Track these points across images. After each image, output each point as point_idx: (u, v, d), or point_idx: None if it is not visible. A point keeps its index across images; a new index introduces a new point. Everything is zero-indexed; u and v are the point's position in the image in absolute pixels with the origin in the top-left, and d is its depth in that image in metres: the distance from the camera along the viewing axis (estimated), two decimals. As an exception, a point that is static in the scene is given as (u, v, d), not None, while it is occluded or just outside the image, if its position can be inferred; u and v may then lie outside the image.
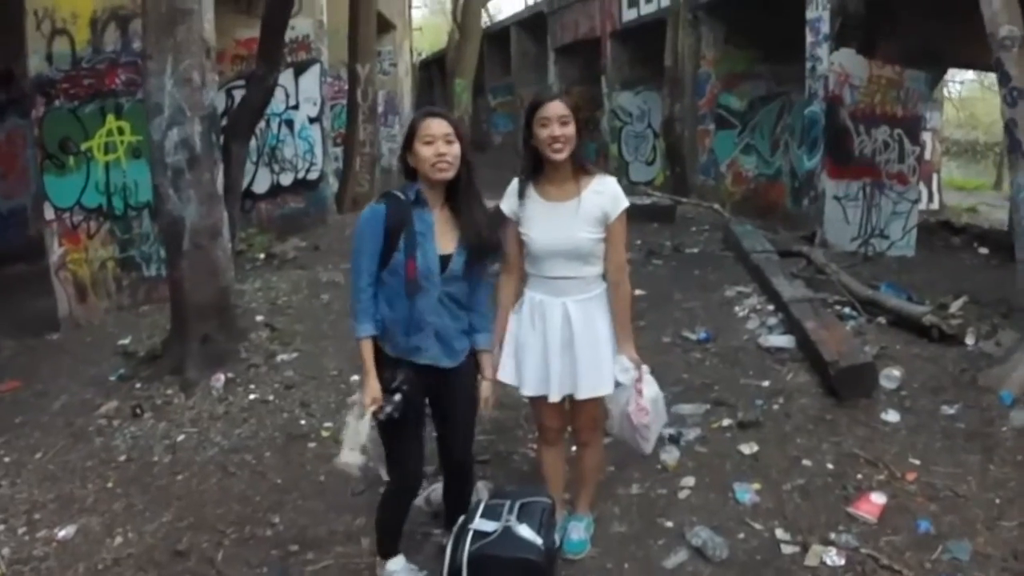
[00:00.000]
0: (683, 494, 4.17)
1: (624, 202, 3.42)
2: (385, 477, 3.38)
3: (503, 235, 3.46)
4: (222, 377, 5.79)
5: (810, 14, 10.13)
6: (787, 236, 9.87)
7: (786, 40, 11.61)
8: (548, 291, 3.46)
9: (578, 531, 3.75)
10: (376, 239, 3.19)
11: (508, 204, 3.49)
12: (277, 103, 10.38)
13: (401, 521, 3.49)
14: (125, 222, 7.97)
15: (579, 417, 3.64)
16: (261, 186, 10.94)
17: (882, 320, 6.24)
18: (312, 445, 4.97)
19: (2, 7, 8.09)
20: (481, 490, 3.96)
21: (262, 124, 10.01)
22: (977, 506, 3.96)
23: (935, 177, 18.62)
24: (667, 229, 10.60)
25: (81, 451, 5.17)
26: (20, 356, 7.11)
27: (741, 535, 3.82)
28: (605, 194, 3.39)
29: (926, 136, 14.32)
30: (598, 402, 3.55)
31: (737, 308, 6.79)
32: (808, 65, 10.27)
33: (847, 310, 6.42)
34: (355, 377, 5.60)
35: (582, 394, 3.45)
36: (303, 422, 5.28)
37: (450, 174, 3.18)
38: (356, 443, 3.23)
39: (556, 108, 3.31)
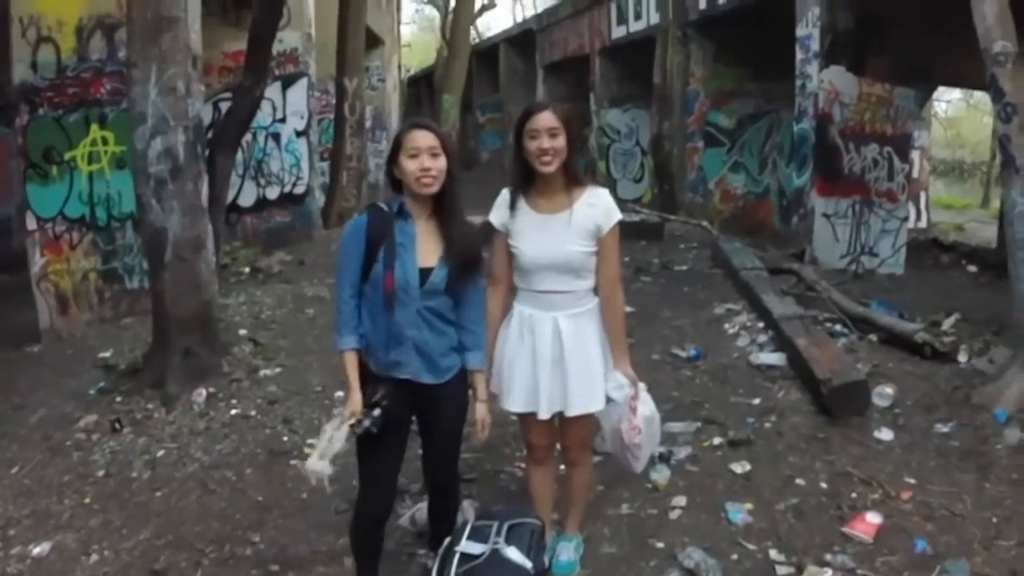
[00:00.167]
0: (674, 514, 4.09)
1: (617, 215, 3.34)
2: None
3: (490, 249, 3.38)
4: (204, 392, 5.68)
5: (800, 31, 10.15)
6: (776, 254, 9.84)
7: (775, 58, 11.63)
8: (538, 305, 3.37)
9: (567, 552, 3.66)
10: (358, 250, 3.12)
11: (498, 216, 3.40)
12: (264, 116, 10.33)
13: (375, 543, 3.36)
14: (108, 233, 7.88)
15: (569, 435, 3.55)
16: (247, 199, 10.86)
17: (873, 338, 6.21)
18: (294, 462, 4.85)
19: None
20: (467, 509, 3.87)
21: (249, 137, 9.96)
22: (974, 525, 3.90)
23: (923, 195, 18.67)
24: (655, 246, 10.57)
25: (58, 466, 5.06)
26: (-1, 368, 6.98)
27: (734, 556, 3.74)
28: (598, 207, 3.31)
29: (914, 154, 14.34)
30: (589, 419, 3.46)
31: (727, 325, 6.74)
32: (798, 83, 10.27)
33: (838, 327, 6.39)
34: (339, 393, 5.54)
35: (573, 411, 3.36)
36: (285, 438, 5.17)
37: (434, 189, 3.10)
38: (328, 452, 3.12)
39: (545, 120, 3.22)
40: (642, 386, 3.44)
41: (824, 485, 4.26)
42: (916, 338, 5.86)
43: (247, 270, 9.30)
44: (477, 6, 27.22)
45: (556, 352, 3.32)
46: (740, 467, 4.46)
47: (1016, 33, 5.12)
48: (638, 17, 15.76)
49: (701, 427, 4.97)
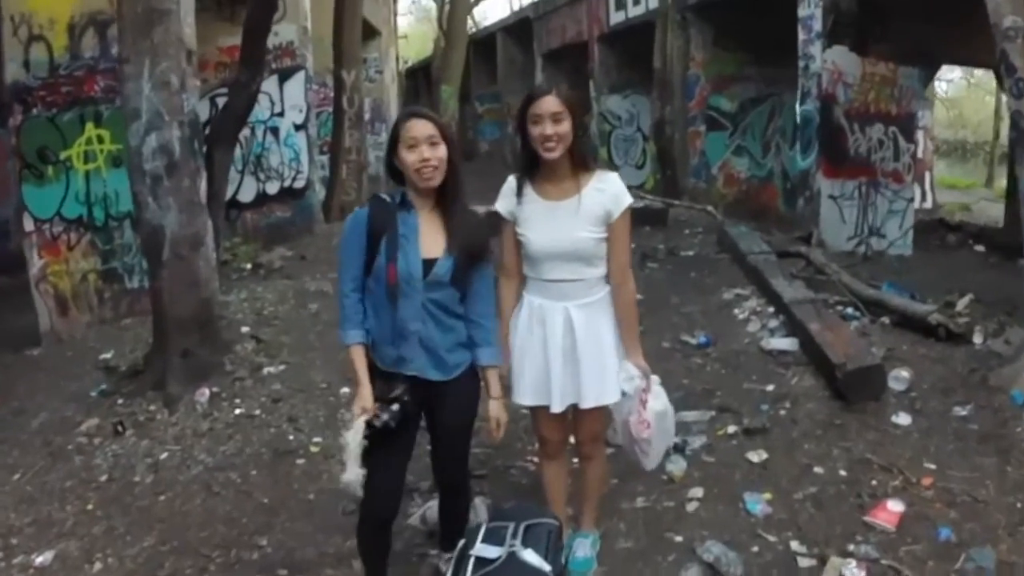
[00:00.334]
0: (691, 506, 4.00)
1: (627, 199, 3.22)
2: (359, 493, 3.11)
3: (497, 238, 3.27)
4: (206, 392, 5.58)
5: (802, 12, 10.02)
6: (782, 237, 9.73)
7: (776, 41, 11.55)
8: (548, 295, 3.25)
9: (584, 548, 3.56)
10: (359, 243, 3.03)
11: (504, 204, 3.29)
12: (262, 110, 10.23)
13: (382, 544, 3.25)
14: (106, 233, 7.78)
15: (582, 428, 3.44)
16: (247, 195, 10.75)
17: (886, 320, 6.10)
18: (300, 462, 4.77)
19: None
20: (479, 507, 3.78)
21: (247, 132, 9.86)
22: (998, 511, 3.81)
23: (927, 176, 18.57)
24: (660, 232, 10.48)
25: (60, 471, 4.97)
26: (-1, 372, 6.89)
27: (755, 548, 3.64)
28: (607, 191, 3.19)
29: (919, 134, 14.23)
30: (602, 412, 3.36)
31: (736, 311, 6.65)
32: (801, 64, 10.15)
33: (849, 310, 6.29)
34: (345, 389, 5.45)
35: (586, 403, 3.25)
36: (291, 437, 5.08)
37: (436, 181, 2.99)
38: (353, 457, 3.00)
39: (549, 104, 3.09)
40: (655, 379, 3.33)
41: (843, 473, 4.17)
42: (930, 319, 5.74)
43: (248, 266, 9.20)
44: (473, -5, 27.08)
45: (568, 343, 3.22)
46: (756, 456, 4.37)
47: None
48: (636, 2, 15.63)
49: (715, 416, 4.88)
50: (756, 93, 13.99)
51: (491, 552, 2.86)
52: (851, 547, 3.57)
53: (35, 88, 7.38)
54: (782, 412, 4.84)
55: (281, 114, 10.85)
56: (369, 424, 2.96)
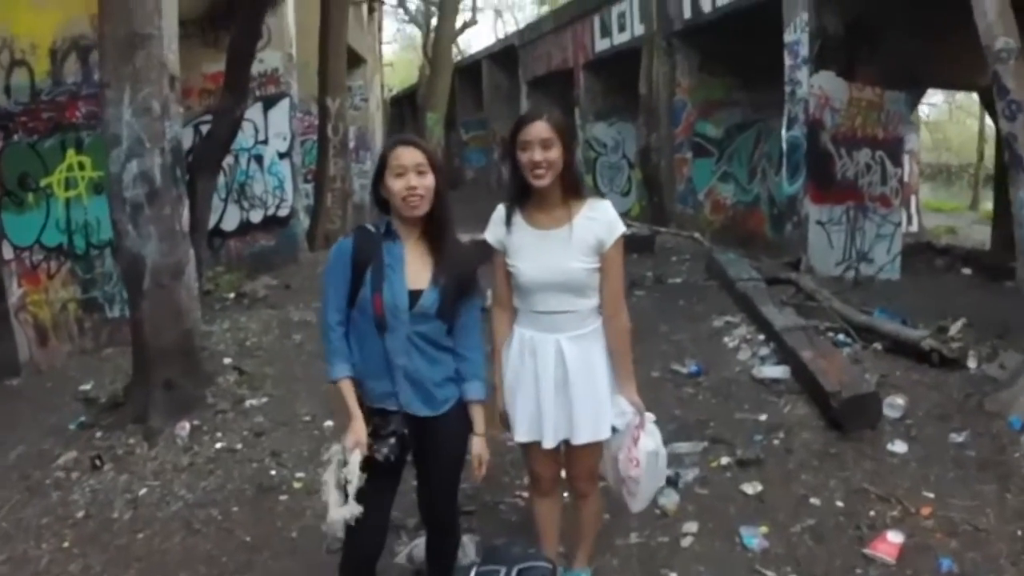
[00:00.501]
0: (686, 541, 3.90)
1: (620, 227, 3.12)
2: (339, 535, 2.99)
3: (485, 269, 3.17)
4: (187, 425, 5.44)
5: (788, 37, 10.04)
6: (770, 263, 9.70)
7: (762, 67, 11.57)
8: (539, 327, 3.15)
9: (577, 586, 3.45)
10: (343, 274, 2.93)
11: (494, 233, 3.19)
12: (246, 138, 10.18)
13: None
14: (87, 261, 7.65)
15: (576, 464, 3.32)
16: (230, 223, 10.68)
17: (878, 346, 6.05)
18: (283, 498, 4.64)
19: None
20: (468, 545, 3.66)
21: (231, 159, 9.79)
22: (999, 540, 3.76)
23: (914, 199, 18.66)
24: (648, 259, 10.44)
25: (37, 507, 4.80)
26: (-24, 405, 6.72)
27: (753, 585, 3.55)
28: (599, 220, 3.09)
29: (905, 158, 14.29)
30: (597, 448, 3.23)
31: (726, 339, 6.58)
32: (787, 89, 10.16)
33: (840, 337, 6.23)
34: (329, 423, 5.32)
35: (580, 439, 3.14)
36: (273, 472, 4.94)
37: (422, 210, 2.90)
38: (342, 496, 2.88)
39: (538, 130, 3.00)
40: (650, 417, 3.23)
41: (840, 504, 4.11)
42: (923, 345, 5.69)
43: (231, 296, 9.08)
44: (459, 23, 27.21)
45: (560, 376, 3.11)
46: (751, 488, 4.29)
47: (1018, 29, 5.00)
48: (622, 29, 15.69)
49: (708, 447, 4.80)
50: (742, 119, 14.01)
51: (483, 597, 2.74)
52: (852, 582, 3.48)
53: (16, 114, 7.26)
54: (776, 442, 4.77)
55: (265, 142, 10.80)
56: (368, 458, 2.85)
